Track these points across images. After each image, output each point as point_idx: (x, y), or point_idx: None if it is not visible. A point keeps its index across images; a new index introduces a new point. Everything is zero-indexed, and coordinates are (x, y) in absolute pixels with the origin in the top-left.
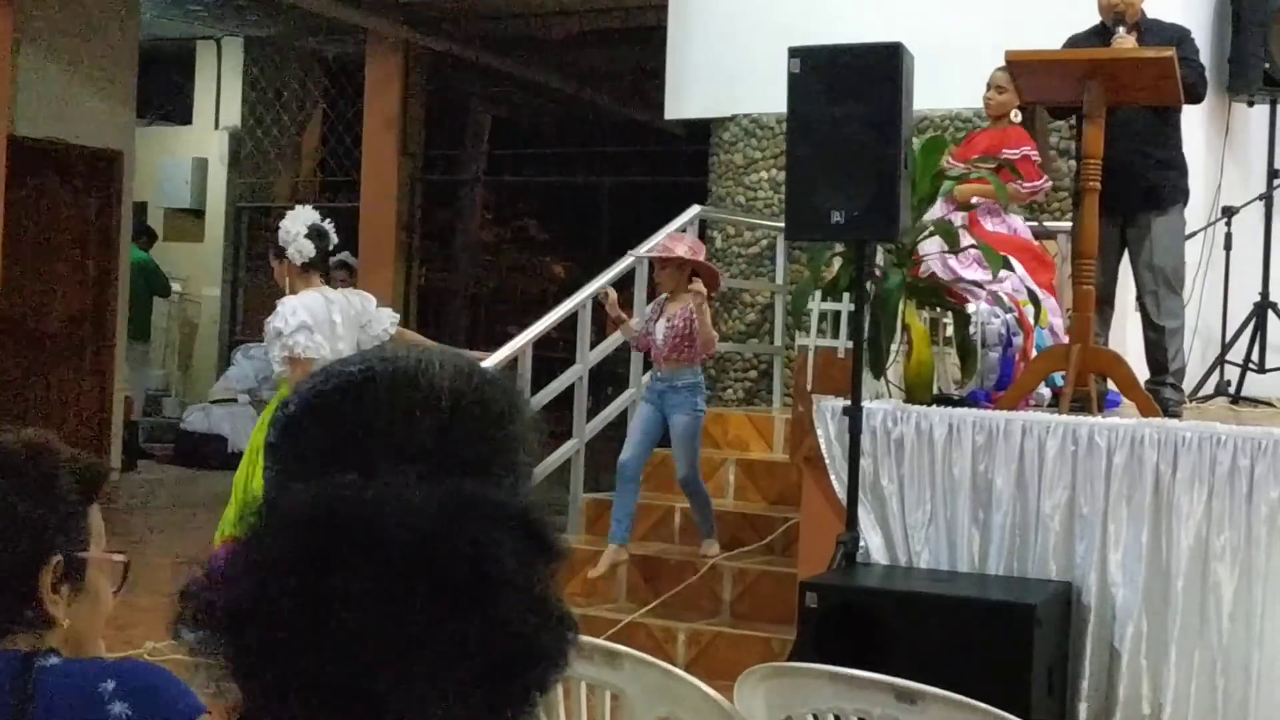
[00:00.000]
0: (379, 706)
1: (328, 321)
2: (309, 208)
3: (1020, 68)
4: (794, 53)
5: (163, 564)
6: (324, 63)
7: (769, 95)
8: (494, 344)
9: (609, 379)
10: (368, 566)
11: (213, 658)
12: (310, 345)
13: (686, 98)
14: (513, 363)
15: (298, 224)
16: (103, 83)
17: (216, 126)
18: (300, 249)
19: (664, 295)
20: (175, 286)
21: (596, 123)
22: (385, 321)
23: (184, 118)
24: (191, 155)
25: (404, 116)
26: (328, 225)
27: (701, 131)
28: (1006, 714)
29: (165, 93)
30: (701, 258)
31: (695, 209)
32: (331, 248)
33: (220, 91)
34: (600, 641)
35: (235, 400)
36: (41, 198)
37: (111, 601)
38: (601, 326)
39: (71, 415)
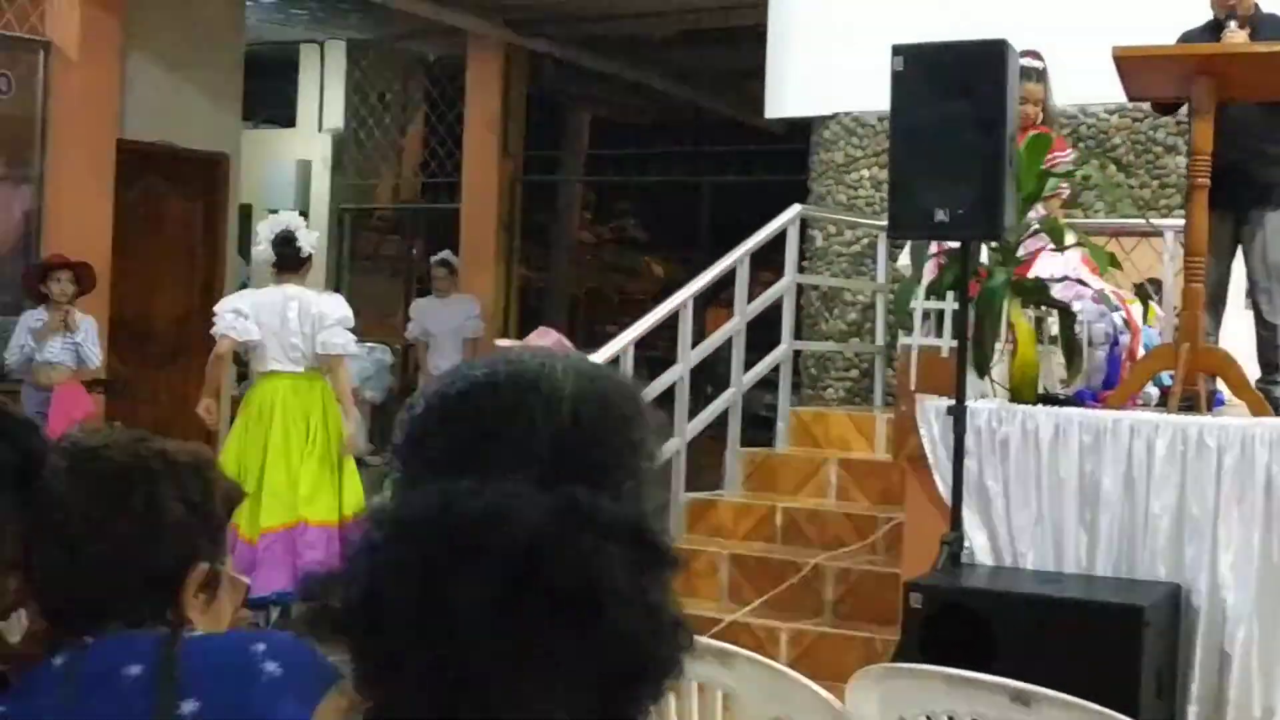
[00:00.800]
0: (490, 712)
1: (279, 316)
2: (291, 213)
3: (1127, 64)
4: (898, 50)
5: None
6: (425, 65)
7: (870, 93)
8: (593, 344)
9: (709, 378)
10: (478, 575)
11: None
12: (236, 328)
13: (787, 96)
14: (614, 362)
15: (266, 230)
16: (209, 87)
17: (320, 129)
18: (260, 254)
19: None
20: None
21: (696, 122)
22: (334, 338)
23: (288, 121)
24: (295, 158)
25: (504, 117)
26: (299, 231)
27: (801, 130)
28: (1125, 717)
29: (270, 96)
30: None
31: (796, 208)
32: (307, 253)
33: (323, 94)
34: (713, 641)
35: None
36: (150, 200)
37: (230, 618)
38: (703, 326)
39: (179, 415)
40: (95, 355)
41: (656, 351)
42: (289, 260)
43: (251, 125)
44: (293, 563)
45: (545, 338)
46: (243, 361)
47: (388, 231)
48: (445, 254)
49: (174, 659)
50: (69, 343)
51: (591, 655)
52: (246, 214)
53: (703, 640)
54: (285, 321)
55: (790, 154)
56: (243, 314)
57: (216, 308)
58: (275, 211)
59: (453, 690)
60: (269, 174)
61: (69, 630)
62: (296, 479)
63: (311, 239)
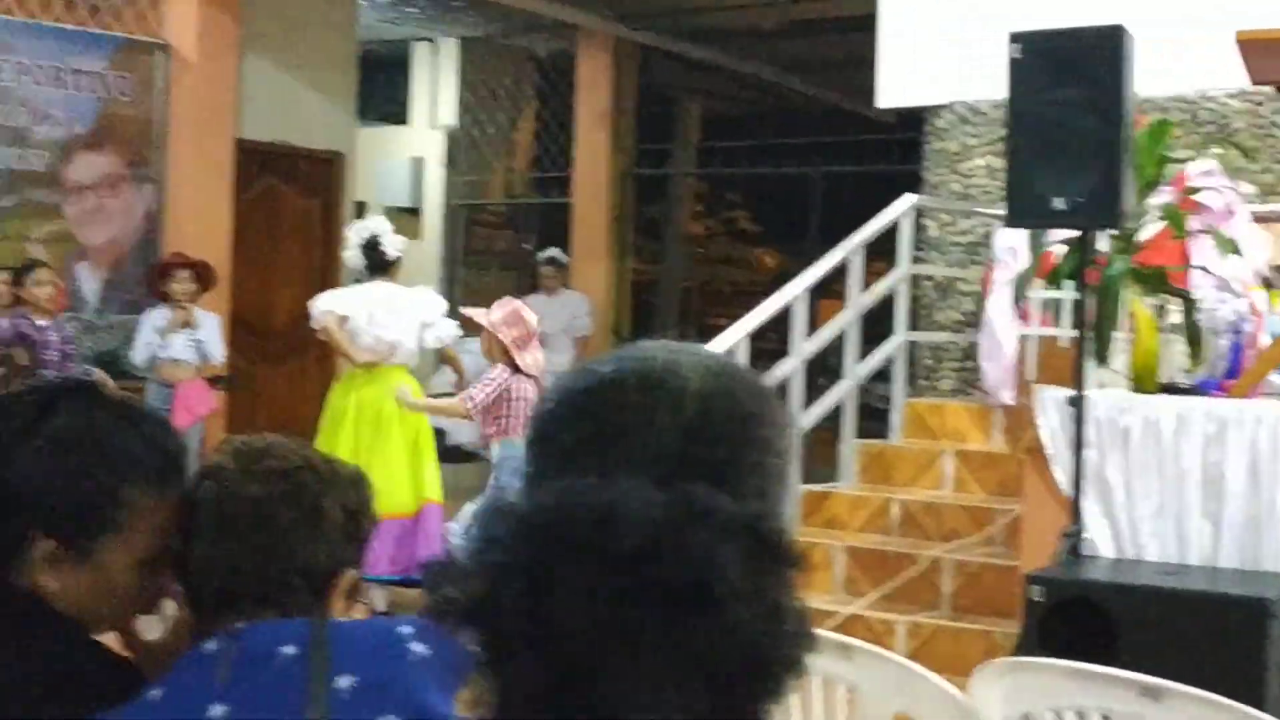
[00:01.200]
0: (601, 711)
1: (366, 311)
2: (378, 218)
3: (1251, 47)
4: (1015, 38)
5: None
6: (536, 60)
7: (984, 81)
8: (704, 336)
9: (820, 369)
10: (589, 573)
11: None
12: (334, 308)
13: (899, 86)
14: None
15: (354, 236)
16: (325, 86)
17: (433, 126)
18: (349, 259)
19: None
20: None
21: (807, 113)
22: (442, 331)
23: (401, 118)
24: (409, 155)
25: (615, 111)
26: (385, 236)
27: (913, 119)
28: (1257, 711)
29: (383, 94)
30: (501, 334)
31: (910, 198)
32: (393, 256)
33: (436, 91)
34: (835, 635)
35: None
36: (267, 199)
37: None
38: (815, 318)
39: (297, 410)
40: (219, 351)
41: (768, 343)
42: (376, 263)
43: (365, 123)
44: None
45: (504, 307)
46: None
47: (500, 227)
48: (553, 251)
49: (325, 639)
50: (192, 340)
51: (705, 654)
52: (361, 211)
53: (825, 634)
54: (371, 316)
55: (901, 144)
56: (331, 311)
57: (310, 305)
58: (400, 208)
59: (563, 688)
60: (383, 171)
61: (219, 621)
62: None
63: (397, 242)
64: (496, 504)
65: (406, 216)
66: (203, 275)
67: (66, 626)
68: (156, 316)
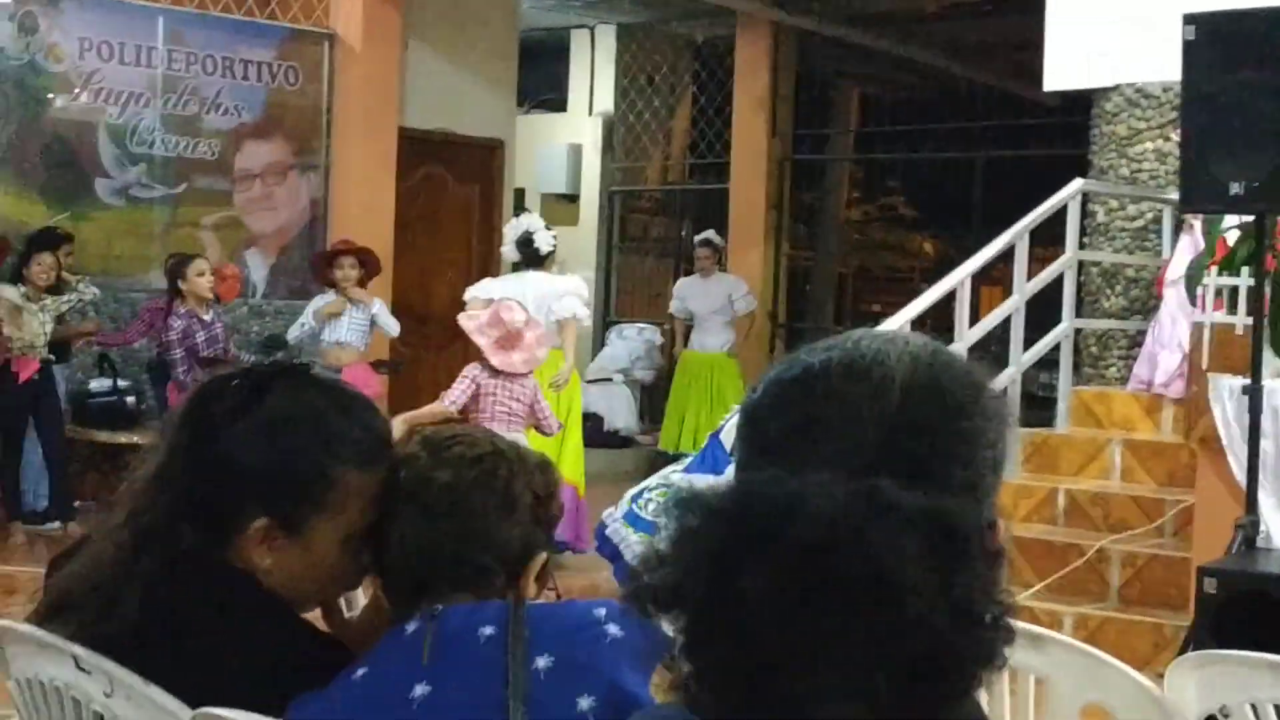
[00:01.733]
0: (783, 704)
1: (516, 297)
2: (532, 215)
3: None
4: (1189, 19)
5: None
6: (694, 46)
7: (1154, 63)
8: (859, 323)
9: (982, 358)
10: (770, 564)
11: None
12: (478, 296)
13: (1067, 69)
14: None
15: (510, 232)
16: (486, 74)
17: (590, 113)
18: (506, 254)
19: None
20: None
21: (968, 97)
22: (564, 309)
23: (559, 105)
24: (567, 141)
25: (773, 97)
26: (538, 233)
27: (1078, 103)
28: None
29: (541, 81)
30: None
31: (1078, 183)
32: (545, 250)
33: (594, 78)
34: (1027, 625)
35: (610, 380)
36: (428, 186)
37: None
38: (977, 306)
39: None
40: (395, 324)
41: (928, 331)
42: (530, 258)
43: (524, 110)
44: None
45: (489, 311)
46: None
47: (656, 213)
48: (708, 233)
49: (523, 621)
50: (357, 324)
51: (887, 648)
52: (520, 198)
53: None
54: (522, 301)
55: (1065, 127)
56: (474, 305)
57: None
58: (558, 195)
59: (751, 676)
60: (541, 158)
61: (415, 605)
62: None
63: (548, 238)
64: (689, 493)
65: (564, 203)
66: (366, 262)
67: (277, 605)
68: (320, 302)
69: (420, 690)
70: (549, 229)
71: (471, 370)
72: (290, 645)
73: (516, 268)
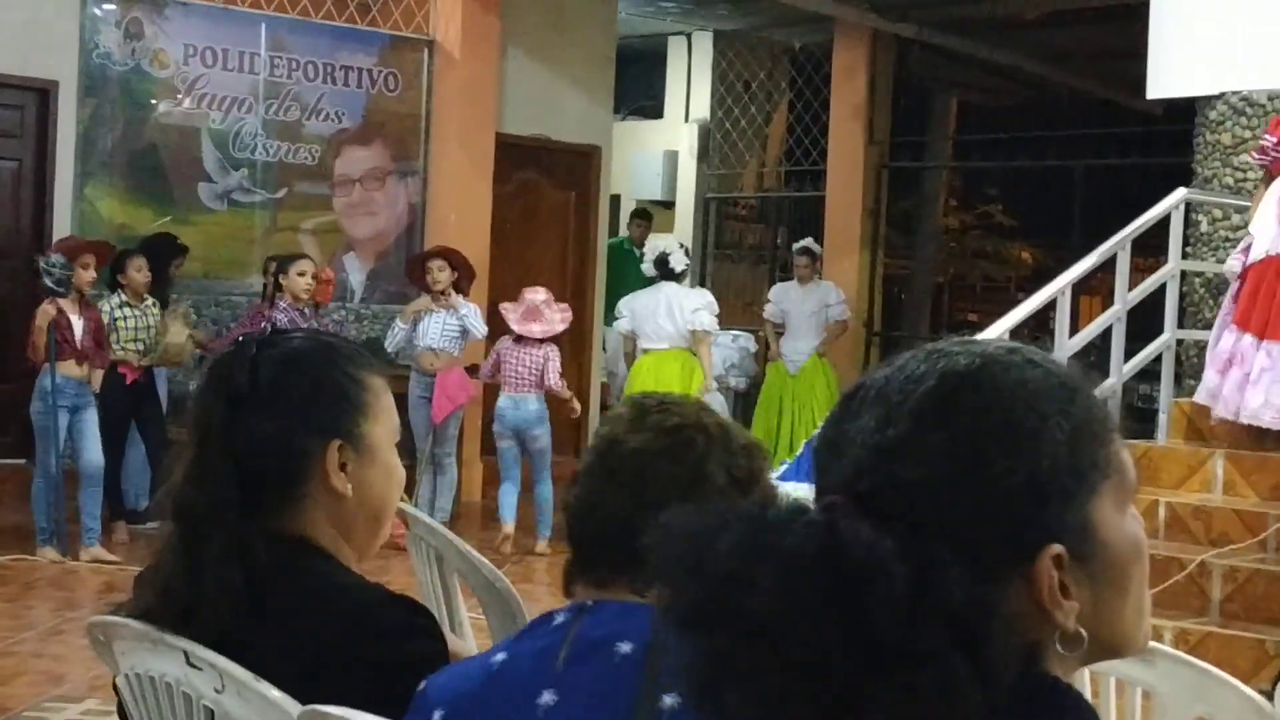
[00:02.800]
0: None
1: (652, 309)
2: (670, 238)
3: None
4: None
5: None
6: (790, 53)
7: (1260, 71)
8: (954, 332)
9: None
10: (684, 595)
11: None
12: (624, 322)
13: (1170, 76)
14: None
15: (650, 251)
16: (583, 81)
17: (686, 119)
18: (645, 270)
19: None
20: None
21: (1068, 104)
22: (696, 322)
23: (655, 112)
24: (662, 148)
25: (870, 104)
26: (673, 255)
27: (1180, 111)
28: None
29: (638, 88)
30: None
31: (1180, 192)
32: (679, 269)
33: (690, 85)
34: None
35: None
36: (525, 192)
37: None
38: (1076, 316)
39: (553, 400)
40: (482, 327)
41: (1025, 340)
42: (665, 274)
43: (620, 117)
44: None
45: (535, 294)
46: None
47: (752, 220)
48: (807, 241)
49: (662, 648)
50: (450, 329)
51: (787, 691)
52: (615, 204)
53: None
54: (655, 312)
55: (1168, 136)
56: (621, 313)
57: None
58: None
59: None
60: (637, 165)
61: (584, 574)
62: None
63: (682, 258)
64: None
65: (659, 209)
66: (456, 264)
67: (347, 571)
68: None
69: (547, 698)
70: (683, 248)
71: (499, 344)
72: (379, 608)
73: (653, 280)
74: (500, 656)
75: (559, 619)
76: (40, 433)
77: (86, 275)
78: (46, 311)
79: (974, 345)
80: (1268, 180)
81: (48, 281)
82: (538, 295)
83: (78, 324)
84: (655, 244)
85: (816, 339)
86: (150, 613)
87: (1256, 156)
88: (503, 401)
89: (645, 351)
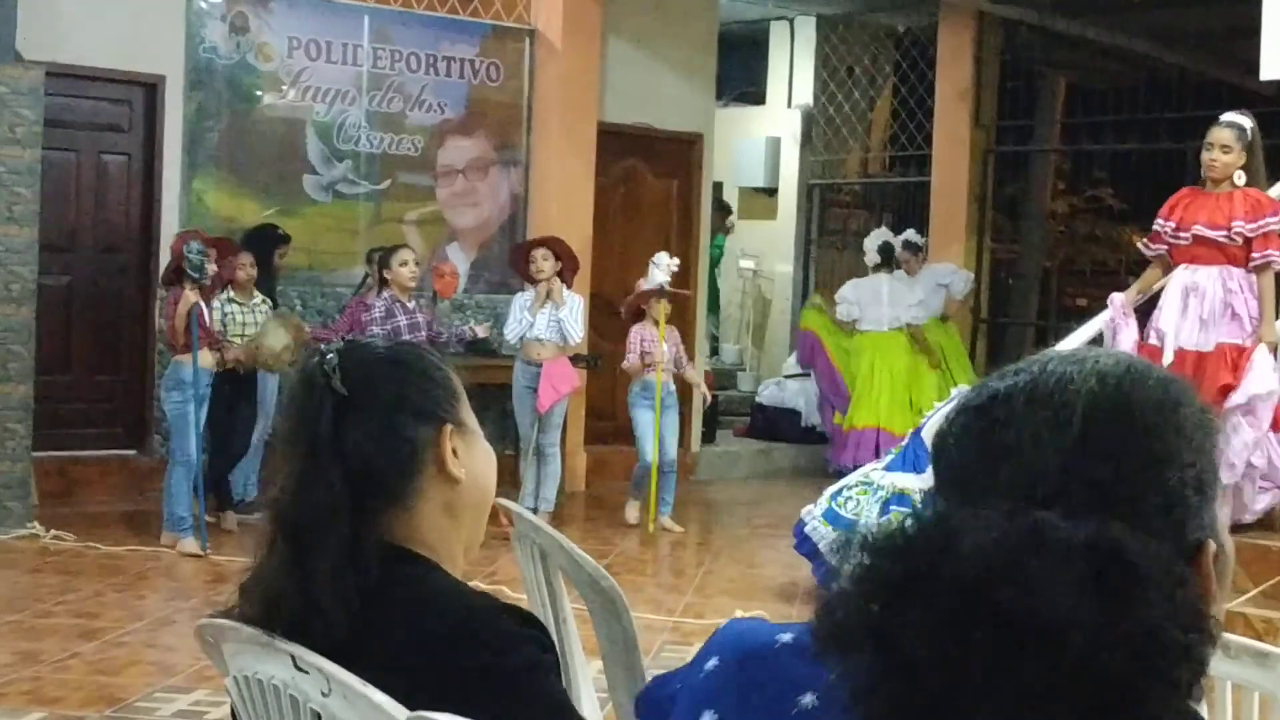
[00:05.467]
0: None
1: (874, 300)
2: (882, 229)
3: None
4: None
5: (742, 534)
6: (895, 37)
7: None
8: (1064, 317)
9: None
10: (928, 603)
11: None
12: (844, 310)
13: None
14: (1098, 339)
15: (870, 241)
16: (684, 68)
17: (789, 105)
18: (868, 259)
19: (645, 324)
20: (748, 264)
21: (1179, 86)
22: (917, 311)
23: (758, 98)
24: (765, 135)
25: (976, 87)
26: (892, 239)
27: None
28: None
29: (740, 74)
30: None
31: None
32: (894, 252)
33: (793, 71)
34: (1249, 641)
35: (808, 375)
36: (627, 180)
37: None
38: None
39: None
40: (576, 332)
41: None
42: (885, 259)
43: (723, 104)
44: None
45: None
46: None
47: (855, 206)
48: (908, 233)
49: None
50: (554, 320)
51: (1054, 687)
52: (718, 192)
53: (1240, 640)
54: (877, 297)
55: None
56: (846, 299)
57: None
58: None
59: (905, 713)
60: (740, 152)
61: None
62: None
63: (898, 243)
64: (855, 534)
65: (762, 196)
66: (560, 253)
67: (453, 579)
68: (524, 297)
69: (808, 699)
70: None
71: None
72: (497, 617)
73: (877, 269)
74: (787, 636)
75: (785, 638)
76: (176, 423)
77: (209, 268)
78: (188, 299)
79: (1080, 353)
80: (1161, 265)
81: (188, 269)
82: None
83: (208, 314)
84: (876, 233)
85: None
86: (257, 622)
87: (1150, 245)
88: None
89: (866, 334)
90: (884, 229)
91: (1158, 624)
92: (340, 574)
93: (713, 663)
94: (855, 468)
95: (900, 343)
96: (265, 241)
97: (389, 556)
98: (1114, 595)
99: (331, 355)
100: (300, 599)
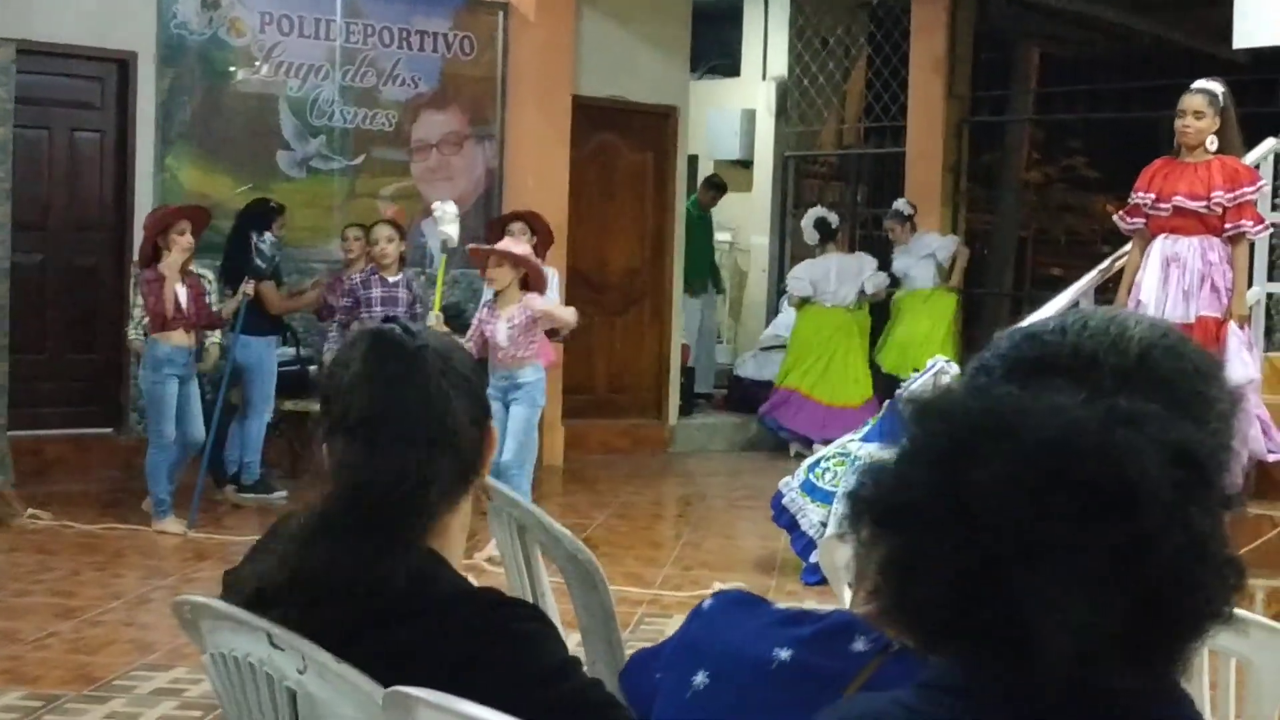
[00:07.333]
0: (1007, 603)
1: (825, 276)
2: (819, 209)
3: None
4: None
5: (720, 506)
6: (869, 7)
7: None
8: (1039, 287)
9: None
10: (1004, 459)
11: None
12: (798, 287)
13: (1259, 24)
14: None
15: (806, 221)
16: (659, 41)
17: (764, 77)
18: (805, 237)
19: (492, 297)
20: (725, 236)
21: (1153, 55)
22: (869, 284)
23: (732, 70)
24: (740, 107)
25: (950, 57)
26: (828, 215)
27: (1268, 60)
28: None
29: (714, 46)
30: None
31: (1269, 142)
32: (833, 227)
33: (767, 42)
34: None
35: (784, 347)
36: (602, 154)
37: None
38: None
39: (632, 361)
40: (567, 313)
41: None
42: (826, 237)
43: (697, 76)
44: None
45: (518, 244)
46: None
47: (831, 178)
48: (898, 203)
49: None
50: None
51: (1122, 564)
52: (693, 165)
53: None
54: (827, 276)
55: (1256, 85)
56: (799, 277)
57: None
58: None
59: (970, 583)
60: (714, 124)
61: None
62: (825, 370)
63: (834, 218)
64: (918, 403)
65: (737, 169)
66: (537, 228)
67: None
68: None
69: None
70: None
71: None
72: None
73: (821, 247)
74: (785, 655)
75: (859, 645)
76: (153, 402)
77: (183, 241)
78: (246, 293)
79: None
80: (1142, 241)
81: (258, 261)
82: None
83: (182, 291)
84: (813, 211)
85: (932, 281)
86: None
87: (1127, 219)
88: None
89: (817, 309)
90: (818, 207)
91: (1215, 530)
92: (393, 557)
93: (701, 679)
94: (777, 425)
95: (843, 319)
96: (259, 218)
97: (421, 554)
98: (1187, 488)
99: (397, 334)
100: (352, 575)
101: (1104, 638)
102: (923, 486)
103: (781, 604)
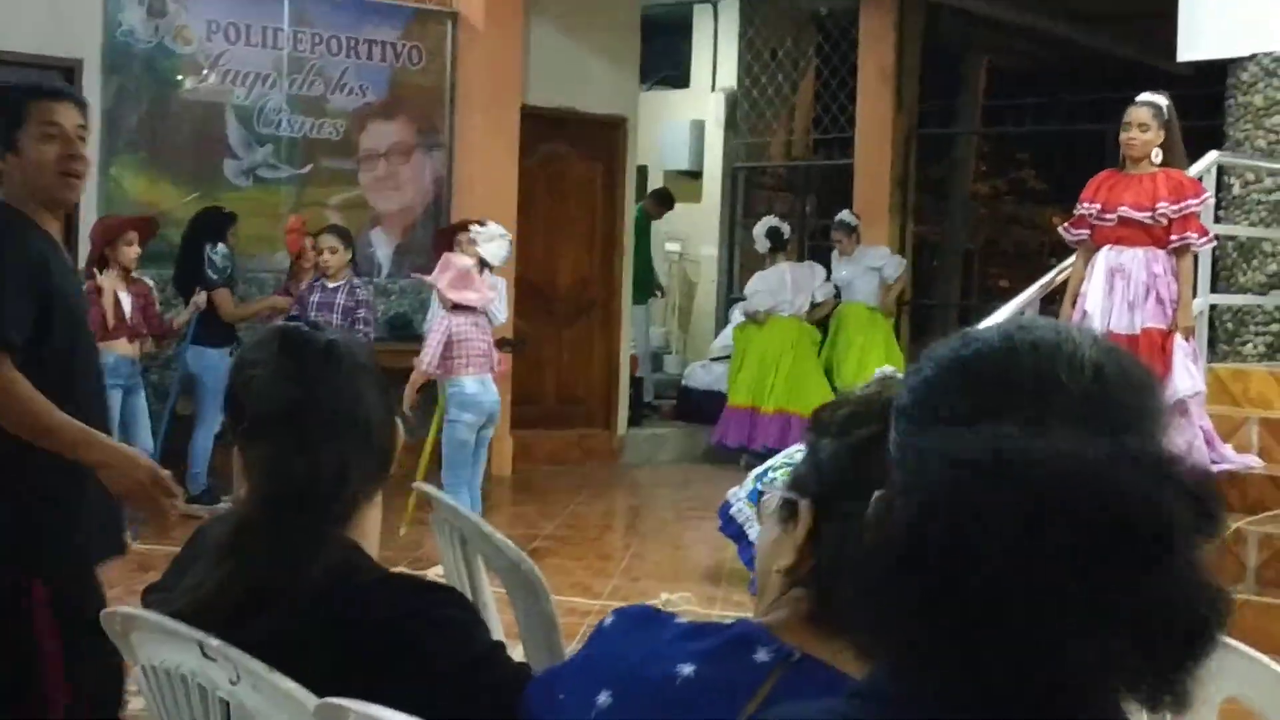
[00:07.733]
0: (1020, 654)
1: (781, 285)
2: (772, 218)
3: None
4: None
5: (669, 517)
6: (817, 19)
7: None
8: (986, 298)
9: None
10: (1020, 511)
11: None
12: (758, 300)
13: (1202, 38)
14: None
15: (759, 229)
16: (608, 51)
17: (713, 88)
18: (757, 246)
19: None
20: (674, 247)
21: (1099, 68)
22: (819, 293)
23: (682, 81)
24: (689, 118)
25: (898, 70)
26: (781, 225)
27: (1213, 73)
28: None
29: (664, 57)
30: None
31: (1213, 155)
32: (785, 237)
33: (716, 54)
34: None
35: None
36: (552, 164)
37: None
38: None
39: (581, 371)
40: (502, 312)
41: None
42: (776, 246)
43: (646, 87)
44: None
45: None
46: None
47: (780, 189)
48: (842, 214)
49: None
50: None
51: (1141, 603)
52: (642, 175)
53: None
54: (782, 284)
55: (1199, 98)
56: (756, 289)
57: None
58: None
59: (977, 629)
60: (664, 135)
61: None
62: (784, 380)
63: (786, 228)
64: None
65: (686, 180)
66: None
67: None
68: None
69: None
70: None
71: (440, 325)
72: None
73: (771, 256)
74: (688, 670)
75: (760, 655)
76: None
77: (130, 252)
78: (198, 304)
79: (1000, 328)
80: (1087, 252)
81: (210, 273)
82: (464, 261)
83: (126, 301)
84: (764, 221)
85: (874, 299)
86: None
87: (1072, 230)
88: (471, 385)
89: (775, 319)
90: (770, 216)
91: (1204, 561)
92: (311, 560)
93: (605, 699)
94: (730, 444)
95: (798, 329)
96: (212, 226)
97: (340, 546)
98: (1194, 524)
99: (308, 336)
100: (270, 580)
101: (1110, 676)
102: (930, 540)
103: (718, 616)
